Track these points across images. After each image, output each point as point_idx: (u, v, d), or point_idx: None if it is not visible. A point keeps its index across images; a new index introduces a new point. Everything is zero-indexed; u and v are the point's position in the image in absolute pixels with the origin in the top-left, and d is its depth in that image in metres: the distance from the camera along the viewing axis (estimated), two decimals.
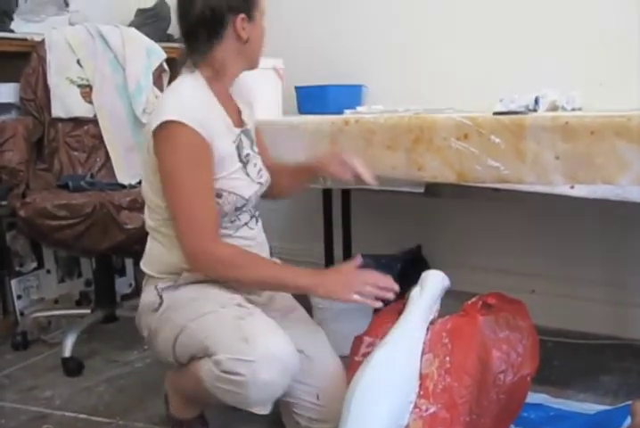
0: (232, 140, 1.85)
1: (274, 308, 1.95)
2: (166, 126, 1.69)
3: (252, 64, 1.92)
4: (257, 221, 1.97)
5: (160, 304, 1.82)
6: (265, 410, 1.70)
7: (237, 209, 1.85)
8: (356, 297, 1.72)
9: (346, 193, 3.01)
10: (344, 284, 1.73)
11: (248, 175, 1.88)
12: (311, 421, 1.87)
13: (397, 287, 1.76)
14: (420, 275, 2.05)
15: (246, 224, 1.91)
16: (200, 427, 1.94)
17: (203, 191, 1.73)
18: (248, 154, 1.90)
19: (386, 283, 1.75)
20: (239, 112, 1.95)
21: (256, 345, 1.62)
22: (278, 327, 1.71)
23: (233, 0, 1.79)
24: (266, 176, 1.97)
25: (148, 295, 1.86)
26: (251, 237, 1.92)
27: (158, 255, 1.86)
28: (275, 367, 1.63)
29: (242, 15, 1.80)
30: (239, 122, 1.91)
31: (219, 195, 1.79)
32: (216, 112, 1.82)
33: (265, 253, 1.98)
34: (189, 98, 1.76)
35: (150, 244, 1.90)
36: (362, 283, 1.73)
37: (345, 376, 1.88)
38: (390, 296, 1.75)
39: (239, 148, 1.87)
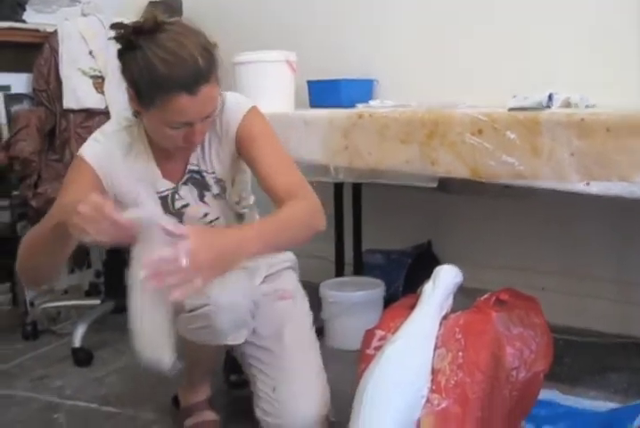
0: (154, 191, 1.83)
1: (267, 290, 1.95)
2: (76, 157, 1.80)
3: (163, 146, 1.78)
4: None
5: None
6: (238, 339, 1.76)
7: None
8: None
9: (357, 188, 3.00)
10: None
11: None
12: (265, 413, 1.86)
13: None
14: (430, 270, 2.05)
15: None
16: (208, 410, 1.96)
17: (72, 190, 1.72)
18: (184, 206, 1.86)
19: None
20: (185, 163, 1.86)
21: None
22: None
23: (137, 78, 1.62)
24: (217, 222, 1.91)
25: None
26: None
27: None
28: (233, 290, 1.70)
29: (132, 93, 1.66)
30: (178, 175, 1.86)
31: None
32: (138, 164, 1.81)
33: None
34: (108, 143, 1.79)
35: None
36: None
37: (316, 377, 1.89)
38: None
39: (166, 202, 1.84)
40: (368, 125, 2.31)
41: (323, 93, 2.95)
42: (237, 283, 1.75)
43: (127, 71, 1.64)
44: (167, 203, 1.84)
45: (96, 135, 1.83)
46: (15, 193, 2.77)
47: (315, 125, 2.43)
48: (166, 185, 1.84)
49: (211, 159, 1.84)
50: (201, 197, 1.87)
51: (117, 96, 2.93)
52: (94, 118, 2.95)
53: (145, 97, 1.62)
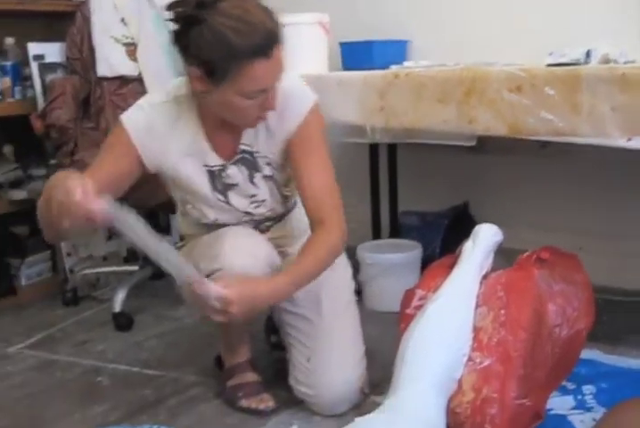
0: (201, 164, 1.81)
1: None
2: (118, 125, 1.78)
3: (229, 121, 1.75)
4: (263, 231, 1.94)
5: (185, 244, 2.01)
6: None
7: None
8: None
9: (392, 149, 2.98)
10: None
11: (227, 203, 1.85)
12: (298, 382, 1.88)
13: None
14: (467, 232, 2.04)
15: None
16: (249, 371, 1.97)
17: (98, 170, 1.71)
18: (233, 185, 1.85)
19: None
20: (237, 141, 1.83)
21: (223, 243, 1.77)
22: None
23: (207, 53, 1.58)
24: (264, 209, 1.90)
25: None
26: None
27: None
28: (245, 253, 1.75)
29: (200, 73, 1.61)
30: (229, 152, 1.83)
31: (186, 202, 1.89)
32: (185, 136, 1.78)
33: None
34: (153, 113, 1.76)
35: None
36: None
37: (352, 348, 1.90)
38: None
39: (214, 177, 1.83)
40: (404, 84, 2.29)
41: (355, 55, 2.91)
42: (251, 248, 1.77)
43: (192, 50, 1.59)
44: (214, 178, 1.82)
45: (143, 102, 1.79)
46: (52, 162, 2.79)
47: (351, 86, 2.40)
48: (215, 161, 1.81)
49: (264, 140, 1.81)
50: (251, 178, 1.85)
51: (149, 63, 2.94)
52: (128, 85, 2.95)
53: (218, 71, 1.58)
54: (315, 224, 1.77)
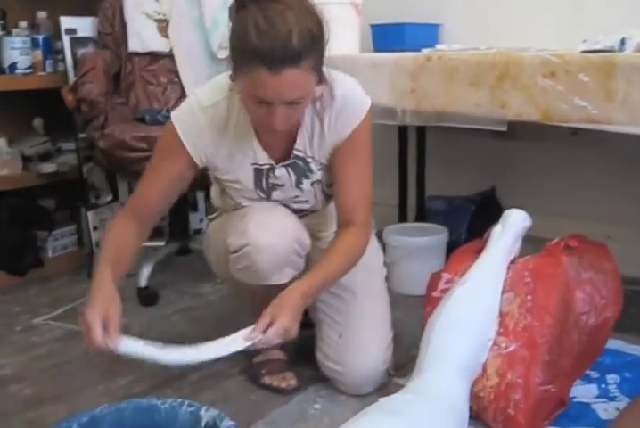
0: (250, 162, 1.80)
1: None
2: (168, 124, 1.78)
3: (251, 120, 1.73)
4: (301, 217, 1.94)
5: (218, 216, 2.01)
6: (282, 279, 1.78)
7: None
8: None
9: (421, 132, 2.96)
10: None
11: (267, 199, 1.86)
12: (327, 358, 1.89)
13: None
14: (493, 218, 2.03)
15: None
16: (275, 348, 1.97)
17: (154, 178, 1.77)
18: (278, 185, 1.84)
19: None
20: (290, 144, 1.80)
21: (251, 218, 1.77)
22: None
23: (232, 40, 1.56)
24: (305, 206, 1.90)
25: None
26: None
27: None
28: (272, 230, 1.75)
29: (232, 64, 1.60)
30: (280, 155, 1.81)
31: (224, 190, 1.91)
32: (236, 136, 1.76)
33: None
34: (203, 116, 1.73)
35: None
36: None
37: (382, 330, 1.91)
38: None
39: (261, 175, 1.82)
40: (436, 67, 2.27)
41: (387, 37, 2.90)
42: (278, 224, 1.77)
43: (230, 31, 1.57)
44: (261, 176, 1.81)
45: (194, 103, 1.74)
46: (81, 135, 2.80)
47: (382, 67, 2.39)
48: (265, 159, 1.79)
49: (318, 145, 1.79)
50: (298, 183, 1.84)
51: (181, 40, 2.94)
52: (159, 61, 2.96)
53: (234, 61, 1.56)
54: (343, 223, 1.79)
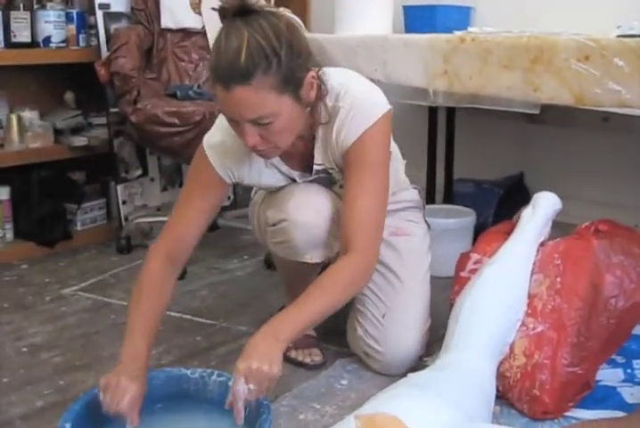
0: (280, 175, 1.81)
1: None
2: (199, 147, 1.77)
3: None
4: None
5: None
6: (315, 258, 1.80)
7: None
8: None
9: (451, 114, 2.96)
10: None
11: None
12: (366, 334, 1.89)
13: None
14: (521, 202, 2.04)
15: None
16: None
17: (188, 211, 1.76)
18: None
19: None
20: (308, 159, 1.79)
21: (292, 195, 1.78)
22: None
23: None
24: None
25: None
26: None
27: None
28: (310, 208, 1.75)
29: None
30: (303, 170, 1.81)
31: None
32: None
33: None
34: (231, 140, 1.70)
35: None
36: None
37: (423, 315, 1.91)
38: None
39: (294, 181, 1.83)
40: (470, 49, 2.27)
41: (419, 18, 2.90)
42: (317, 204, 1.78)
43: None
44: (294, 181, 1.83)
45: (220, 125, 1.73)
46: (113, 110, 2.82)
47: (415, 48, 2.39)
48: (292, 174, 1.81)
49: (335, 155, 1.75)
50: (330, 189, 1.85)
51: (214, 17, 2.95)
52: (191, 38, 2.98)
53: None
54: (343, 247, 1.69)
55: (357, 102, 1.69)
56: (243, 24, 1.48)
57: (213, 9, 1.55)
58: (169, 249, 1.74)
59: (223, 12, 1.52)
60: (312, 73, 1.59)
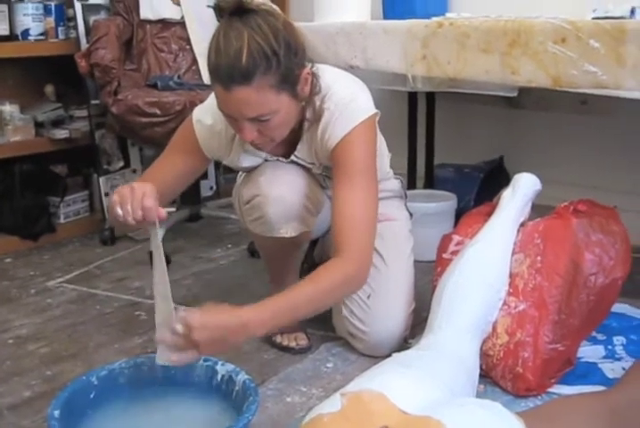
0: (261, 159, 1.85)
1: None
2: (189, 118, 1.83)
3: None
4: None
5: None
6: (290, 233, 1.82)
7: None
8: None
9: (431, 100, 2.98)
10: None
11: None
12: (352, 315, 1.90)
13: None
14: (501, 186, 2.06)
15: None
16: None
17: (168, 164, 1.83)
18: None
19: None
20: (290, 149, 1.83)
21: (265, 172, 1.82)
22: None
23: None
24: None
25: None
26: None
27: None
28: (283, 183, 1.78)
29: None
30: (285, 157, 1.85)
31: None
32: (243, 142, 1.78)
33: None
34: (220, 125, 1.77)
35: None
36: None
37: (408, 296, 1.93)
38: None
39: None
40: (448, 34, 2.27)
41: (397, 5, 2.90)
42: (290, 180, 1.81)
43: None
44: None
45: (214, 116, 1.75)
46: (93, 102, 2.82)
47: (394, 34, 2.39)
48: (269, 157, 1.85)
49: (317, 154, 1.80)
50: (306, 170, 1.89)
51: (193, 8, 2.96)
52: (170, 28, 2.97)
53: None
54: (334, 251, 1.69)
55: (341, 105, 1.71)
56: (242, 24, 1.50)
57: (209, 6, 1.58)
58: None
59: (220, 11, 1.54)
60: (307, 69, 1.63)
